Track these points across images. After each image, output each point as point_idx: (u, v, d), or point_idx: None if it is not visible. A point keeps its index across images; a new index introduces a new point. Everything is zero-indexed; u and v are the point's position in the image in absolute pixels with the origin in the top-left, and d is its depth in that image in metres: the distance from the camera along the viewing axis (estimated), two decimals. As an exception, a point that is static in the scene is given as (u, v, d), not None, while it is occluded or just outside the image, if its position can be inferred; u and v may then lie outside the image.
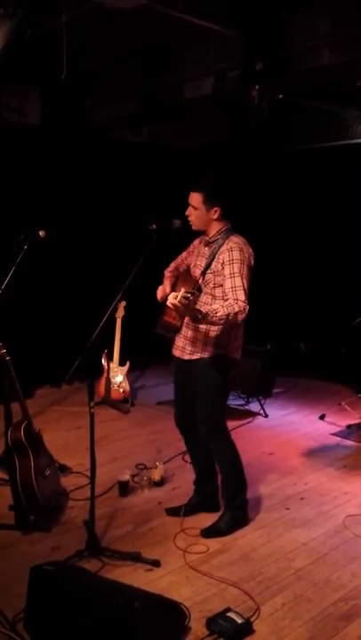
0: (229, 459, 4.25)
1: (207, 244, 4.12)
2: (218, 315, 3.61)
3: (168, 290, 4.19)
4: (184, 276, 4.25)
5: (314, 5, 5.34)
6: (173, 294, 3.51)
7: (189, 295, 3.42)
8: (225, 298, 3.79)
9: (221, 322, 3.69)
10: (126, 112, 7.45)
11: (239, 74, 5.74)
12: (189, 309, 3.52)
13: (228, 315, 3.63)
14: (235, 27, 5.44)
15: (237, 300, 3.72)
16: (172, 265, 4.41)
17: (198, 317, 3.63)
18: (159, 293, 4.21)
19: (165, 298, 4.13)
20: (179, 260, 4.42)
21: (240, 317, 3.70)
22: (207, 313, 3.59)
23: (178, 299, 3.43)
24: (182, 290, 3.47)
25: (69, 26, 5.16)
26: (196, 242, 4.31)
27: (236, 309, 3.67)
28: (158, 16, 5.04)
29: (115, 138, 8.00)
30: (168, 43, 6.24)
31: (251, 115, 5.74)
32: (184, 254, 4.40)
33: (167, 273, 4.37)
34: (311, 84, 6.38)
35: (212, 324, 3.77)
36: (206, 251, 4.10)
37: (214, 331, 3.97)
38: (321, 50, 5.47)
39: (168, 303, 3.59)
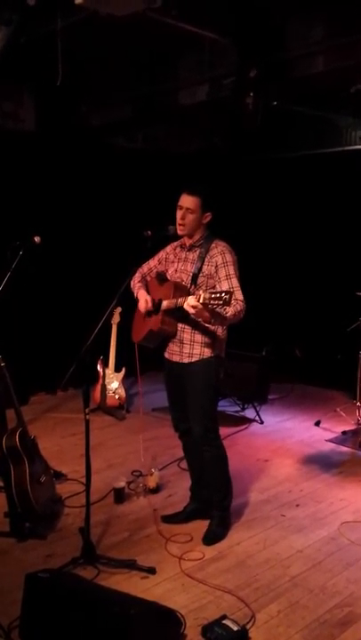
0: (221, 460, 4.27)
1: (190, 248, 4.13)
2: (228, 315, 3.74)
3: (150, 298, 4.20)
4: (159, 283, 4.25)
5: (308, 12, 5.36)
6: (192, 299, 3.59)
7: (224, 295, 3.46)
8: None
9: (230, 322, 3.85)
10: (121, 118, 7.46)
11: (234, 80, 5.74)
12: (211, 310, 3.63)
13: (234, 314, 3.77)
14: (229, 34, 5.45)
15: (237, 300, 3.82)
16: (138, 275, 4.41)
17: (213, 319, 3.73)
18: (146, 304, 4.19)
19: (152, 307, 4.13)
20: (145, 268, 4.43)
21: (242, 315, 3.84)
22: (220, 314, 3.72)
23: (202, 301, 3.51)
24: (200, 293, 3.55)
25: (64, 32, 5.16)
26: (169, 249, 4.33)
27: (239, 308, 3.80)
28: (153, 23, 5.04)
29: (110, 143, 8.00)
30: (163, 49, 6.25)
31: (246, 121, 5.74)
32: (153, 263, 4.40)
33: (137, 283, 4.37)
34: (306, 91, 6.39)
35: (221, 324, 3.94)
36: (190, 255, 4.12)
37: (213, 331, 4.02)
38: (315, 56, 5.47)
39: (187, 308, 3.64)
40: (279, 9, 5.33)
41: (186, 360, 4.09)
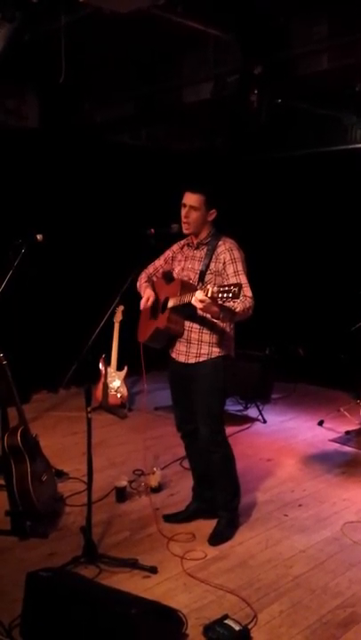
0: (230, 460, 4.25)
1: (198, 246, 4.11)
2: (237, 310, 3.72)
3: (153, 296, 4.18)
4: (166, 282, 4.23)
5: (313, 10, 5.35)
6: (200, 293, 3.57)
7: (233, 287, 3.44)
8: None
9: (238, 317, 3.83)
10: (125, 115, 7.45)
11: (238, 78, 5.73)
12: (221, 306, 3.62)
13: (243, 310, 3.75)
14: (233, 31, 5.45)
15: (246, 296, 3.80)
16: (145, 275, 4.40)
17: (222, 314, 3.72)
18: (150, 299, 4.17)
19: (156, 303, 4.12)
20: (151, 269, 4.41)
21: (251, 312, 3.82)
22: (229, 309, 3.70)
23: (210, 295, 3.49)
24: (208, 287, 3.53)
25: (68, 29, 5.16)
26: (176, 247, 4.31)
27: (248, 305, 3.78)
28: (157, 20, 5.05)
29: (113, 141, 7.99)
30: (167, 47, 6.25)
31: (249, 119, 5.73)
32: (159, 263, 4.38)
33: (144, 283, 4.35)
34: (310, 89, 6.38)
35: (230, 320, 3.91)
36: (197, 253, 4.10)
37: (222, 329, 3.99)
38: (320, 54, 5.48)
39: (195, 303, 3.62)
40: (282, 7, 5.32)
41: (192, 360, 4.06)
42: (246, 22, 5.39)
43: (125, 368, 7.01)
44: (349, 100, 6.55)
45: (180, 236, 4.23)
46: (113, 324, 6.87)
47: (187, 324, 4.04)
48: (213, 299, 3.52)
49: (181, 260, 4.20)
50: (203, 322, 3.96)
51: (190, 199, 4.00)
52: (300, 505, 4.79)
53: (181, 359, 4.12)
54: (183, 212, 4.03)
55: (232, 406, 7.15)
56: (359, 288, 6.53)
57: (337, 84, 6.16)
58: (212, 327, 3.98)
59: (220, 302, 3.55)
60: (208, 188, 4.03)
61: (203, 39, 5.81)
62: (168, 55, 6.49)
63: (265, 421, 6.82)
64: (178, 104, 6.82)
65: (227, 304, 3.62)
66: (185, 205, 4.02)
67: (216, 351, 4.03)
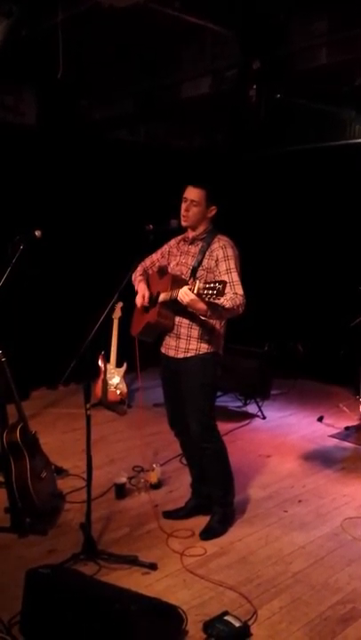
0: (222, 457, 4.24)
1: (192, 241, 4.11)
2: (227, 307, 3.71)
3: (147, 293, 4.18)
4: (160, 276, 4.24)
5: (312, 5, 5.32)
6: (186, 288, 3.60)
7: (217, 285, 3.44)
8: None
9: (227, 315, 3.84)
10: (123, 111, 7.42)
11: (236, 73, 5.71)
12: (207, 302, 3.61)
13: (232, 307, 3.73)
14: (231, 26, 5.42)
15: (237, 293, 3.81)
16: (140, 268, 4.41)
17: (209, 311, 3.72)
18: (142, 299, 4.19)
19: (150, 301, 4.12)
20: (148, 262, 4.41)
21: (241, 310, 3.80)
22: (217, 306, 3.68)
23: (196, 291, 3.51)
24: (197, 284, 3.55)
25: (66, 25, 5.13)
26: (173, 242, 4.31)
27: (238, 302, 3.77)
28: (155, 15, 5.02)
29: (111, 137, 7.97)
30: (165, 42, 6.21)
31: (248, 114, 5.71)
32: (156, 257, 4.39)
33: (139, 277, 4.35)
34: (309, 84, 6.35)
35: (220, 317, 3.91)
36: (192, 249, 4.10)
37: (211, 327, 3.99)
38: (319, 49, 5.44)
39: (181, 298, 3.65)
40: (282, 3, 5.29)
41: (181, 355, 4.06)
42: (244, 16, 5.36)
43: (125, 365, 7.00)
44: (349, 95, 6.53)
45: (179, 231, 4.23)
46: (112, 320, 6.86)
47: (177, 318, 4.04)
48: (199, 295, 3.52)
49: (177, 255, 4.20)
50: (192, 317, 3.96)
51: (192, 193, 4.00)
52: (299, 501, 4.78)
53: (171, 353, 4.12)
54: (184, 206, 4.04)
55: (231, 402, 7.16)
56: (358, 284, 6.52)
57: (336, 79, 6.14)
58: (201, 323, 3.98)
59: (205, 299, 3.55)
60: (210, 183, 4.03)
61: (201, 33, 5.78)
62: (166, 50, 6.45)
63: (264, 417, 6.82)
64: (177, 99, 6.79)
65: (212, 301, 3.61)
66: (186, 199, 4.03)
67: (205, 347, 4.02)
